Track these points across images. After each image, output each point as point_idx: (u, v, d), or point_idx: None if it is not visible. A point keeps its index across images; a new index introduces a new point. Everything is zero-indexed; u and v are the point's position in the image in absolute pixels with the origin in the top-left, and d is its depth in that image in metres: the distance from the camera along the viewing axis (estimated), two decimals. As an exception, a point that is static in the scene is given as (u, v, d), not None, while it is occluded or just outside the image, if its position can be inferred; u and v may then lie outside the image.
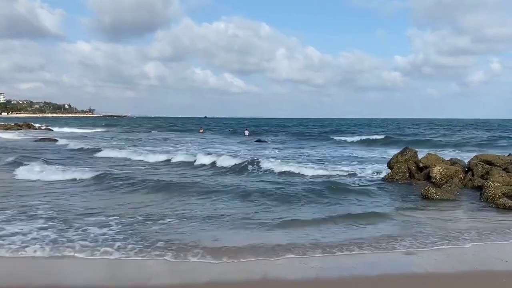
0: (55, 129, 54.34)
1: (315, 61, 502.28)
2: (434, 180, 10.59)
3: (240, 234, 6.39)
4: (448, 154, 19.26)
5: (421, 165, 11.83)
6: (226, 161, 15.36)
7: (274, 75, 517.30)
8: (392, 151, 17.98)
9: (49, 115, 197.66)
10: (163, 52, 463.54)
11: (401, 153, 12.90)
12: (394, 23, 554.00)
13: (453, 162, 11.99)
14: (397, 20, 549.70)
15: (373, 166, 15.02)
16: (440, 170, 10.74)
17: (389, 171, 12.44)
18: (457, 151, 22.37)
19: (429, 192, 9.47)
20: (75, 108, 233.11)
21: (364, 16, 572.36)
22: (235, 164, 14.74)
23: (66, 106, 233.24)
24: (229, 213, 7.75)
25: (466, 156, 14.12)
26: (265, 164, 14.32)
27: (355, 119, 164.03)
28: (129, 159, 17.70)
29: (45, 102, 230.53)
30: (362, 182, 11.75)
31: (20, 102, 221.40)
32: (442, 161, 11.99)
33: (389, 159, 13.19)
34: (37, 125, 56.08)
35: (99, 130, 55.34)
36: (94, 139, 32.15)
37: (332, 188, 10.23)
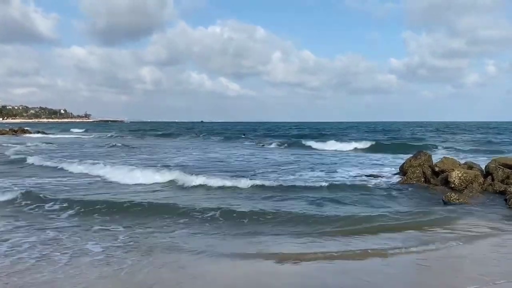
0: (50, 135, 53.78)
1: (311, 64, 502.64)
2: (452, 185, 10.20)
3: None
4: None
5: (437, 169, 11.45)
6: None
7: (269, 78, 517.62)
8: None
9: (45, 120, 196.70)
10: (158, 56, 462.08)
11: (415, 157, 12.52)
12: (389, 26, 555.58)
13: (469, 166, 11.61)
14: (392, 22, 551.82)
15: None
16: (459, 175, 10.35)
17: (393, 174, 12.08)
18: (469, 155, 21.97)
19: (451, 198, 9.08)
20: (71, 113, 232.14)
21: (359, 18, 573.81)
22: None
23: (62, 111, 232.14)
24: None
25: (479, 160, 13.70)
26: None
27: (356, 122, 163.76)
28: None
29: (40, 107, 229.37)
30: (379, 187, 11.25)
31: (16, 108, 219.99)
32: (459, 165, 11.61)
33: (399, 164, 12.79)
34: (32, 130, 56.16)
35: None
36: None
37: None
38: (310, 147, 30.25)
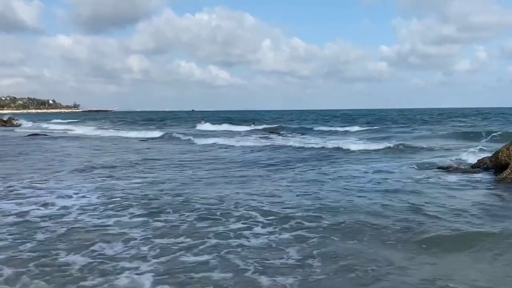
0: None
1: (301, 52, 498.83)
2: None
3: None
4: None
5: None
6: None
7: (259, 66, 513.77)
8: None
9: (33, 111, 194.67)
10: (145, 44, 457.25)
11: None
12: (380, 12, 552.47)
13: None
14: (382, 9, 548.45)
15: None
16: None
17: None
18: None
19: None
20: (60, 104, 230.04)
21: (349, 5, 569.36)
22: None
23: (51, 102, 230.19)
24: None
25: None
26: None
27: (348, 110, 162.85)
28: None
29: (28, 98, 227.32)
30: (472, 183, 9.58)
31: (3, 99, 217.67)
32: None
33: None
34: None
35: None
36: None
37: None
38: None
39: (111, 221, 7.03)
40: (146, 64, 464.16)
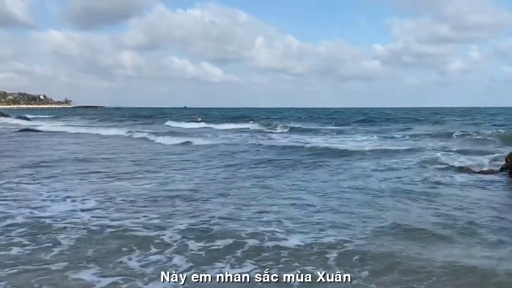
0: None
1: (295, 50, 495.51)
2: None
3: None
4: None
5: None
6: None
7: (253, 64, 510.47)
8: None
9: (24, 106, 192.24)
10: (138, 40, 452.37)
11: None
12: (375, 11, 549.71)
13: None
14: (377, 7, 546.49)
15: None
16: None
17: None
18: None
19: None
20: (51, 99, 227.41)
21: (344, 3, 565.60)
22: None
23: (42, 97, 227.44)
24: None
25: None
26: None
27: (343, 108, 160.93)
28: None
29: (19, 93, 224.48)
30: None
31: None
32: None
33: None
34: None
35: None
36: None
37: None
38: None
39: None
40: (139, 60, 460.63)
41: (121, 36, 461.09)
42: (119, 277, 5.00)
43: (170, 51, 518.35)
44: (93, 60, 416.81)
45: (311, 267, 5.22)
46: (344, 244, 5.90)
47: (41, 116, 65.61)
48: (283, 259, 5.51)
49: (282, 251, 5.77)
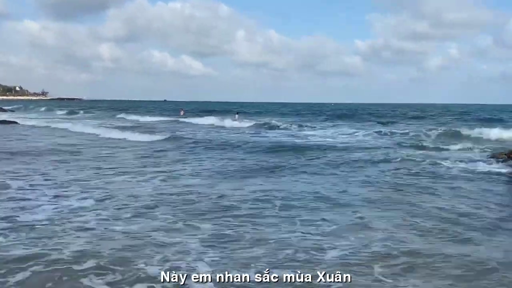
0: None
1: (276, 45, 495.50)
2: None
3: None
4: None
5: None
6: None
7: (234, 57, 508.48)
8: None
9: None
10: (117, 32, 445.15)
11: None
12: (355, 6, 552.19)
13: None
14: (358, 3, 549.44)
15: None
16: None
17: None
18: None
19: None
20: (27, 91, 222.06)
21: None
22: None
23: (17, 88, 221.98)
24: None
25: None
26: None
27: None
28: None
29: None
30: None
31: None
32: None
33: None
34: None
35: None
36: None
37: None
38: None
39: None
40: (118, 52, 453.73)
41: (100, 27, 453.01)
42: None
43: (149, 44, 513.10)
44: (70, 52, 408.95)
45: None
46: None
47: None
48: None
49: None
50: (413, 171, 11.99)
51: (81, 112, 59.45)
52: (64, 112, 58.58)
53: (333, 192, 9.53)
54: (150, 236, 6.40)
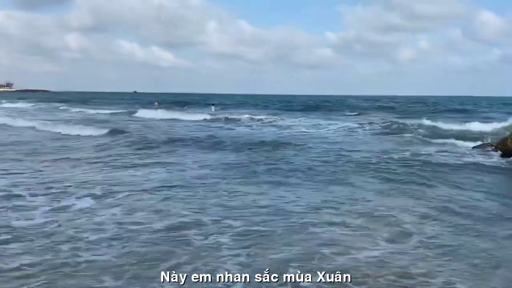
0: None
1: (248, 36, 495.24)
2: None
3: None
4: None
5: None
6: None
7: (205, 48, 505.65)
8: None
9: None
10: (84, 21, 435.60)
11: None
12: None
13: None
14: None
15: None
16: None
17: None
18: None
19: None
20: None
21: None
22: None
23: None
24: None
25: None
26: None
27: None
28: None
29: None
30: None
31: None
32: None
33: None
34: None
35: None
36: None
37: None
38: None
39: None
40: (86, 43, 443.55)
41: (66, 16, 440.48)
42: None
43: (118, 34, 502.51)
44: (36, 42, 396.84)
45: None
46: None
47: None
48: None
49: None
50: (396, 163, 12.01)
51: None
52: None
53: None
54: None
